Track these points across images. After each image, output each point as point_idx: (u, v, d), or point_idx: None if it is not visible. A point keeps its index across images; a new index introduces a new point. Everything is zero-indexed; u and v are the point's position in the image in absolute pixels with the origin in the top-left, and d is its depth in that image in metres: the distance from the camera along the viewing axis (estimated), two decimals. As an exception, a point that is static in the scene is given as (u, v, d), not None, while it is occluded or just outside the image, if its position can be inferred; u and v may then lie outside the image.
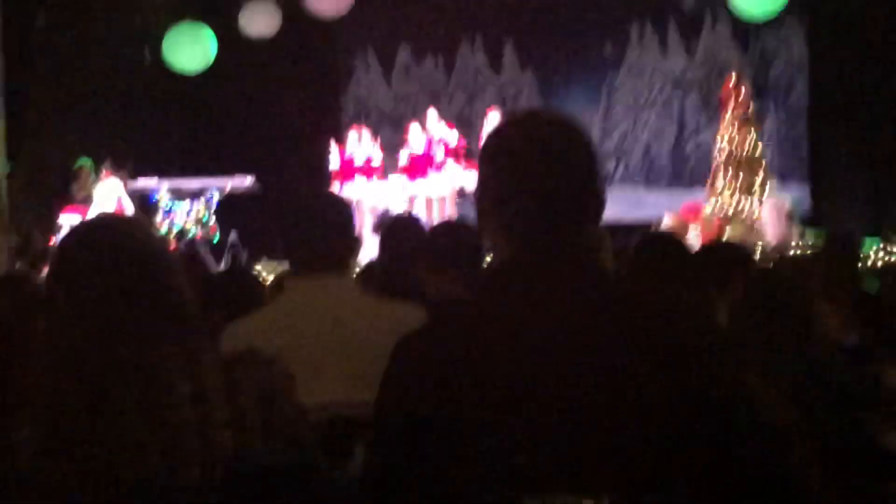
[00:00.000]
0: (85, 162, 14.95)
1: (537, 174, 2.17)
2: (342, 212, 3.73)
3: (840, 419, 3.56)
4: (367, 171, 16.06)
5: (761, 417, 2.15)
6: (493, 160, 2.25)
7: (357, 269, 6.36)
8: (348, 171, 16.01)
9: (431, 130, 16.16)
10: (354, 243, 3.72)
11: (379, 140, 16.59)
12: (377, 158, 16.29)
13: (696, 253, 5.75)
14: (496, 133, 2.29)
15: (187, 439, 2.38)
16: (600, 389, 2.01)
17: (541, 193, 2.17)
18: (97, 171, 14.95)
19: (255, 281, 5.50)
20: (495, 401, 2.03)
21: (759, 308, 3.81)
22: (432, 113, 16.38)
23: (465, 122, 17.94)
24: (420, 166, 15.91)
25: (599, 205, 2.25)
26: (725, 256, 5.45)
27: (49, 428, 2.39)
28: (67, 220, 13.75)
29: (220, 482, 2.36)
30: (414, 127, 16.32)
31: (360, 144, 16.27)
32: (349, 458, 2.95)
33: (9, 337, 4.37)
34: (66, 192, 14.90)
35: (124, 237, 2.52)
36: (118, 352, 2.40)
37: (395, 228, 4.99)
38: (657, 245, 5.34)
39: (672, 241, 5.67)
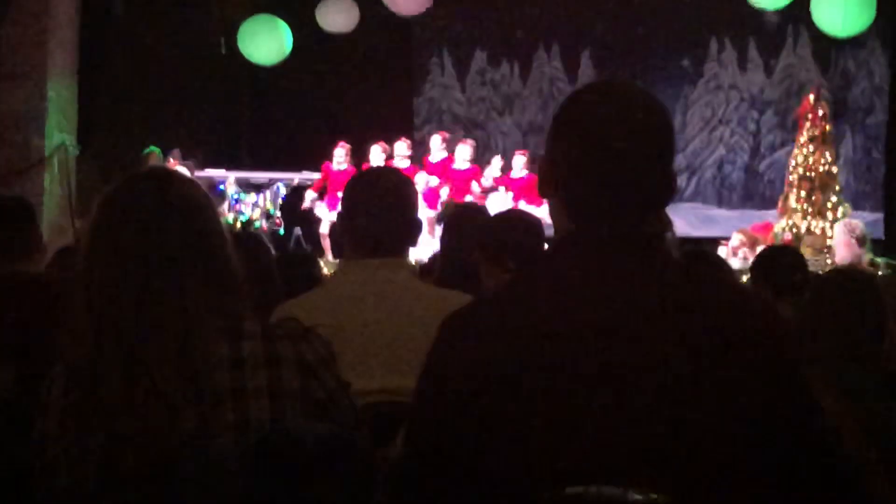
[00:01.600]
0: (153, 149, 15.01)
1: (609, 148, 2.01)
2: (403, 192, 3.54)
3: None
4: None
5: (833, 436, 2.02)
6: (562, 131, 2.10)
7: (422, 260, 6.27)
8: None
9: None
10: (413, 226, 3.53)
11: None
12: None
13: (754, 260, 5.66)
14: (570, 103, 2.13)
15: (222, 405, 2.31)
16: (658, 380, 1.89)
17: (610, 169, 2.01)
18: (165, 159, 15.01)
19: (315, 265, 5.42)
20: (542, 386, 1.91)
21: (832, 306, 3.63)
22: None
23: (538, 130, 17.85)
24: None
25: (671, 188, 2.11)
26: (785, 261, 5.34)
27: (80, 387, 2.32)
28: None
29: (255, 450, 2.28)
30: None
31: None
32: (391, 444, 2.85)
33: (57, 305, 4.33)
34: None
35: (171, 190, 2.44)
36: (156, 309, 2.33)
37: (458, 218, 4.88)
38: (698, 258, 5.22)
39: (712, 256, 5.56)
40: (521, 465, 1.90)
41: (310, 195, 15.41)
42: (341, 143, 15.49)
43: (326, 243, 15.13)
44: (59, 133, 14.70)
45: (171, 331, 2.31)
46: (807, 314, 3.69)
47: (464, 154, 15.48)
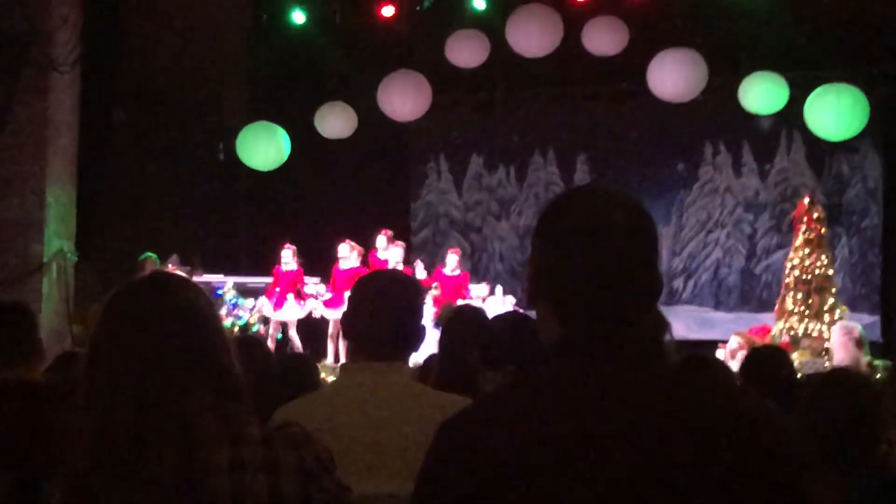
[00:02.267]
0: (150, 255, 15.06)
1: (595, 252, 2.03)
2: (407, 298, 3.54)
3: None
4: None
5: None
6: (547, 237, 2.12)
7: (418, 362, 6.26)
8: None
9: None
10: (417, 333, 3.52)
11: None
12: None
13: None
14: (552, 208, 2.16)
15: None
16: (657, 488, 1.88)
17: (597, 273, 2.02)
18: (163, 265, 15.03)
19: (313, 368, 5.41)
20: (537, 493, 1.90)
21: (828, 408, 3.62)
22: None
23: (534, 234, 17.89)
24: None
25: (657, 287, 2.12)
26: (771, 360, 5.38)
27: (81, 490, 2.31)
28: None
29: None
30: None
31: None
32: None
33: (58, 410, 4.32)
34: (131, 284, 14.93)
35: (174, 294, 2.46)
36: (156, 413, 2.32)
37: (456, 320, 4.86)
38: (698, 363, 5.24)
39: (711, 360, 5.58)
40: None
41: (263, 302, 15.53)
42: (287, 245, 15.54)
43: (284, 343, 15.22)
44: (58, 239, 14.75)
45: (170, 436, 2.30)
46: (803, 416, 3.68)
47: (395, 255, 15.60)
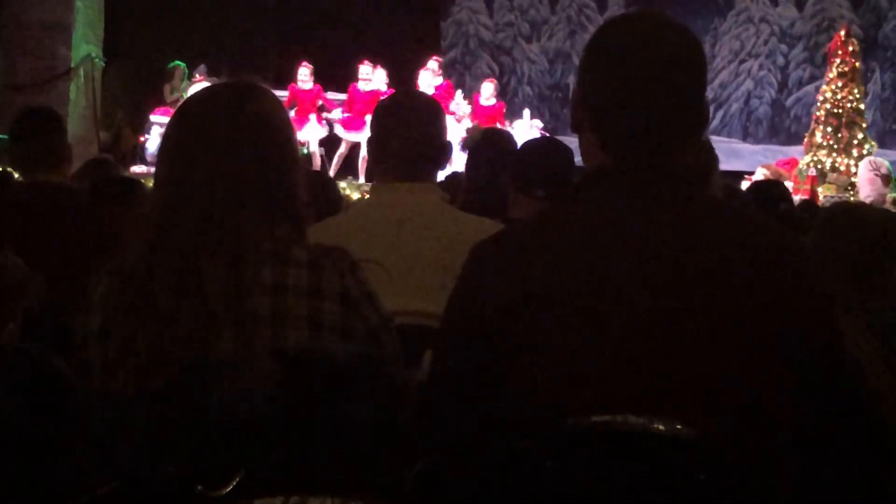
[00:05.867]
0: (178, 64, 14.98)
1: (643, 77, 2.01)
2: (433, 115, 3.49)
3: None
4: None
5: (854, 368, 2.02)
6: (595, 63, 2.10)
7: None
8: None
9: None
10: (443, 150, 3.49)
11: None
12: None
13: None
14: (601, 34, 2.13)
15: (261, 330, 2.28)
16: (689, 311, 1.89)
17: (644, 101, 2.01)
18: (190, 75, 14.97)
19: (335, 187, 5.41)
20: (573, 313, 1.92)
21: (833, 239, 3.61)
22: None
23: (565, 58, 17.72)
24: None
25: (703, 117, 2.11)
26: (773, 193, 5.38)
27: (130, 291, 2.31)
28: (157, 120, 13.82)
29: (290, 375, 2.26)
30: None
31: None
32: (415, 368, 2.84)
33: (89, 214, 4.37)
34: (158, 92, 14.94)
35: (247, 106, 2.39)
36: (214, 229, 2.30)
37: (485, 144, 4.82)
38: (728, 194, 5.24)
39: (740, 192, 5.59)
40: (546, 392, 1.91)
41: None
42: (304, 63, 15.29)
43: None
44: (86, 45, 14.68)
45: (225, 252, 2.29)
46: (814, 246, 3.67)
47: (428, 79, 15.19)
